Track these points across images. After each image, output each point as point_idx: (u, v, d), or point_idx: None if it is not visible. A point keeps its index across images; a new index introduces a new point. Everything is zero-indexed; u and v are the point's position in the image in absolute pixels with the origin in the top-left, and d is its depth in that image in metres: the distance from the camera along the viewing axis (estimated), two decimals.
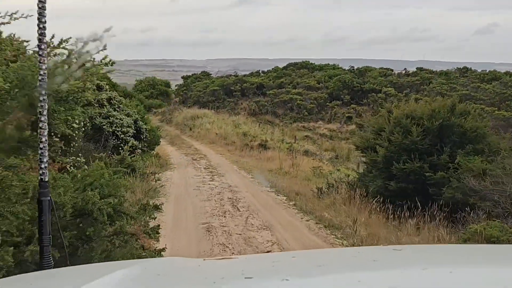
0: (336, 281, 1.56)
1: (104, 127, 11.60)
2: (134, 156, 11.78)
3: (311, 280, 1.55)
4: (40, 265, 2.80)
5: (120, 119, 11.77)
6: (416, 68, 64.17)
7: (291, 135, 34.05)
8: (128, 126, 11.96)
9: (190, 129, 31.50)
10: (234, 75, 61.40)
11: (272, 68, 66.13)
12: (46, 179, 2.83)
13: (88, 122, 9.83)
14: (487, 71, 61.23)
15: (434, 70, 64.89)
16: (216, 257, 2.98)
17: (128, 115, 12.73)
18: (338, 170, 16.92)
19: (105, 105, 12.20)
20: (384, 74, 59.53)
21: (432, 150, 10.86)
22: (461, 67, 64.65)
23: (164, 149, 24.60)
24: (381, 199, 11.09)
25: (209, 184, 14.69)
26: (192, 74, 67.15)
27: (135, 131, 12.50)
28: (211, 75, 65.95)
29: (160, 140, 20.17)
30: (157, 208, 10.68)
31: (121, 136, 11.67)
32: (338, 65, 67.36)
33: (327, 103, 52.12)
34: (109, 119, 11.70)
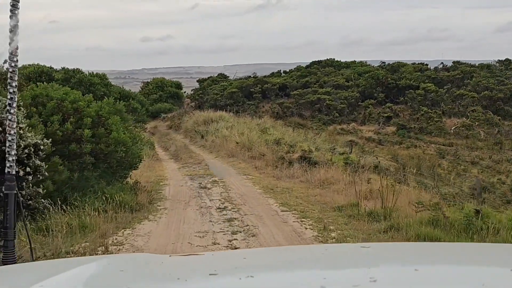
0: (300, 278, 1.49)
1: None
2: None
3: (275, 276, 1.49)
4: (2, 260, 2.67)
5: None
6: (453, 62, 55.45)
7: (332, 141, 25.06)
8: None
9: (202, 137, 22.47)
10: (253, 76, 53.03)
11: (295, 68, 57.50)
12: (13, 172, 2.71)
13: None
14: None
15: (472, 64, 56.06)
16: (183, 253, 2.08)
17: None
18: (481, 216, 7.84)
19: None
20: (419, 69, 50.65)
21: None
22: (503, 59, 55.48)
23: (162, 169, 15.76)
24: None
25: None
26: (209, 77, 58.75)
27: None
28: (229, 78, 57.57)
29: (141, 159, 11.25)
30: None
31: None
32: (366, 62, 58.75)
33: (359, 103, 43.51)
34: None
